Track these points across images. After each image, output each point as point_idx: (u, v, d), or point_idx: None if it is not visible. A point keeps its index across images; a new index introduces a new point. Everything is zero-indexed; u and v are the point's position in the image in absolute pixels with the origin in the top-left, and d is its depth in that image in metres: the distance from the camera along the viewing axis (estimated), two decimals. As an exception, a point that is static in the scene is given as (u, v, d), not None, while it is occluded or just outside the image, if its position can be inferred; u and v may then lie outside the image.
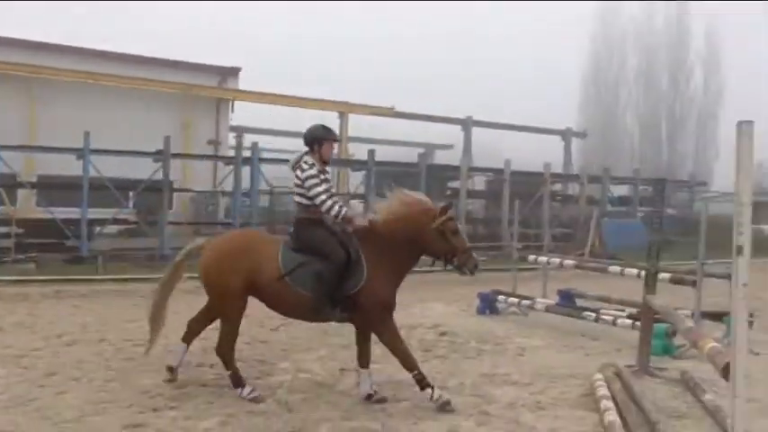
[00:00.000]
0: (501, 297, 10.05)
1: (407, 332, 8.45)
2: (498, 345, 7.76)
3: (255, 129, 33.32)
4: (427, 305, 10.47)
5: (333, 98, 30.64)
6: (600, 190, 27.96)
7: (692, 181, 33.26)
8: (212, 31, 63.12)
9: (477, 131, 34.90)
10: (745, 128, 3.21)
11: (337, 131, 33.97)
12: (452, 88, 53.80)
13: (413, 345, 7.79)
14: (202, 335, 6.22)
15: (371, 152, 22.72)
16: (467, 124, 34.47)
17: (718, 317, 7.92)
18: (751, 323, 8.01)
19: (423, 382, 5.41)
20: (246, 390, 5.54)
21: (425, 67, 62.41)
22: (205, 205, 24.93)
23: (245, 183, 21.03)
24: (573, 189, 30.05)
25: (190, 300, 7.05)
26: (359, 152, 29.04)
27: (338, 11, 76.30)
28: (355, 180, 25.91)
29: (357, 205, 26.76)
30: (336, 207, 5.54)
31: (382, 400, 5.47)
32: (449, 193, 25.70)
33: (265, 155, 23.46)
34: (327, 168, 6.00)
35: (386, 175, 23.89)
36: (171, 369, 5.93)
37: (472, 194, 25.97)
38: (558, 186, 29.56)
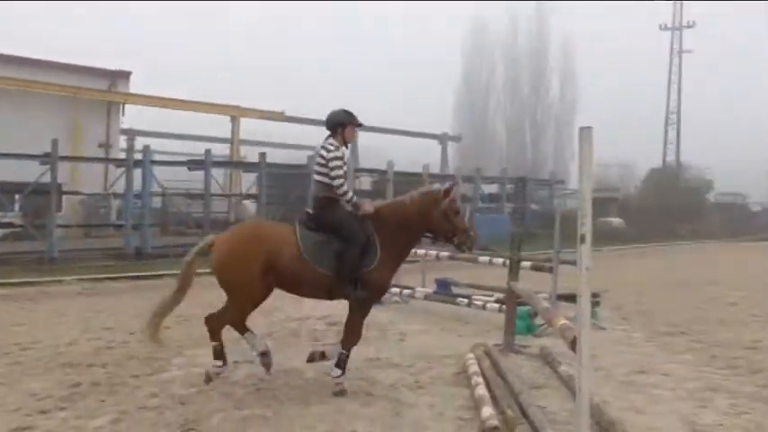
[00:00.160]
0: (385, 288, 10.18)
1: (299, 324, 8.45)
2: (382, 331, 7.89)
3: (148, 132, 32.01)
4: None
5: (225, 102, 29.95)
6: (473, 189, 29.03)
7: (552, 179, 35.22)
8: (105, 36, 59.89)
9: (362, 135, 35.19)
10: (585, 134, 3.45)
11: (229, 135, 33.33)
12: (339, 92, 54.06)
13: (303, 335, 7.80)
14: (91, 335, 5.92)
15: (263, 154, 22.36)
16: (353, 128, 34.61)
17: (572, 298, 8.42)
18: (598, 303, 8.64)
19: (343, 363, 5.41)
20: (221, 368, 5.45)
21: (314, 70, 62.25)
22: (96, 208, 23.68)
23: (138, 185, 20.11)
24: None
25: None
26: (251, 155, 28.57)
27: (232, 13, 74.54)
28: (247, 181, 25.47)
29: (250, 205, 26.34)
30: (351, 192, 5.57)
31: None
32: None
33: (158, 157, 22.60)
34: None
35: (277, 176, 23.68)
36: (264, 354, 5.61)
37: (359, 194, 26.12)
38: (436, 186, 30.33)
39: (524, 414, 4.50)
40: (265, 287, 5.41)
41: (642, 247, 28.48)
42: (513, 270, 7.06)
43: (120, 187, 21.35)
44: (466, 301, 8.91)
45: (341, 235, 5.40)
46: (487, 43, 51.56)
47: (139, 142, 26.23)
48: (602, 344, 7.17)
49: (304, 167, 23.61)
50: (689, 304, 10.73)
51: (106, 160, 24.46)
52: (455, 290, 10.20)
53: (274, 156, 25.56)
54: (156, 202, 23.16)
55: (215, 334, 5.50)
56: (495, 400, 4.86)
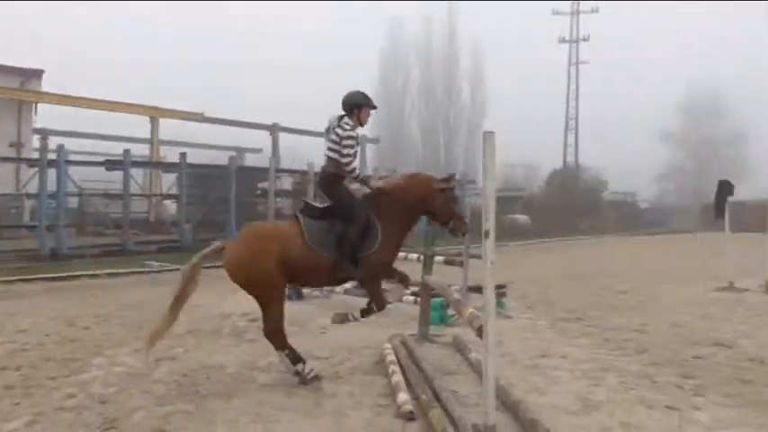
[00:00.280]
0: (306, 284, 10.17)
1: (221, 320, 8.29)
2: (303, 326, 7.86)
3: (63, 131, 30.35)
4: (239, 295, 10.22)
5: (143, 102, 28.83)
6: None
7: (464, 180, 36.07)
8: (18, 33, 56.23)
9: (283, 136, 34.89)
10: (488, 138, 3.60)
11: (148, 135, 32.06)
12: (260, 93, 53.27)
13: (225, 331, 7.68)
14: (3, 338, 5.59)
15: (183, 155, 21.72)
16: (274, 130, 34.30)
17: (481, 290, 8.69)
18: (504, 293, 8.97)
19: (372, 309, 5.67)
20: (308, 366, 5.34)
21: (236, 71, 60.85)
22: (8, 208, 22.28)
23: (52, 185, 19.06)
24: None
25: None
26: (171, 155, 27.69)
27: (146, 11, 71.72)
28: (168, 182, 24.67)
29: (170, 205, 25.51)
30: (358, 169, 5.66)
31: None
32: (258, 192, 25.43)
33: (74, 157, 21.53)
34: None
35: (197, 176, 23.07)
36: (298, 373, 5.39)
37: (280, 194, 25.95)
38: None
39: (437, 398, 4.63)
40: (283, 284, 5.44)
41: (547, 241, 29.69)
42: (427, 265, 7.23)
43: (33, 188, 20.22)
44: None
45: (342, 212, 5.47)
46: (403, 45, 52.28)
47: (55, 142, 24.78)
48: (508, 331, 7.45)
49: (224, 168, 23.17)
50: (586, 293, 11.31)
51: (18, 160, 23.09)
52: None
53: (195, 156, 24.93)
54: (73, 202, 22.05)
55: (277, 342, 5.37)
56: (410, 387, 4.98)
